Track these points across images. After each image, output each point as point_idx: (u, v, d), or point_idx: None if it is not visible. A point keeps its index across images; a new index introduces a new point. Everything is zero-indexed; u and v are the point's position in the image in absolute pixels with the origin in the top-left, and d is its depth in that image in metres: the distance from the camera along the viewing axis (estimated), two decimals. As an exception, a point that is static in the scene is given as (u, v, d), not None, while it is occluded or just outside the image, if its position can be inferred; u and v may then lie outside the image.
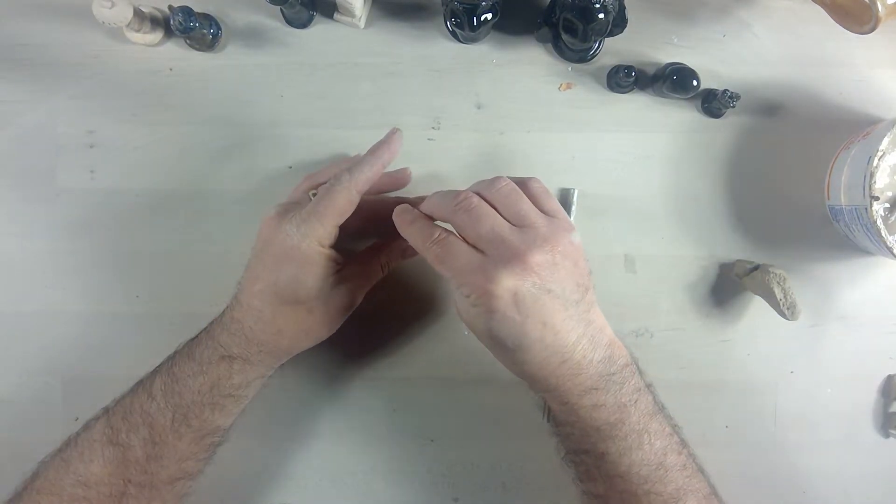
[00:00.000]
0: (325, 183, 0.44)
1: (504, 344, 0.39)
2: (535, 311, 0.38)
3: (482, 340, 0.40)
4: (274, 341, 0.44)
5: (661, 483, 0.41)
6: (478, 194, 0.41)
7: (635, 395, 0.41)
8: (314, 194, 0.45)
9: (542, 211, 0.41)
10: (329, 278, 0.44)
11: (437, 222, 0.42)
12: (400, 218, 0.43)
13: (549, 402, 0.43)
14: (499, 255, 0.38)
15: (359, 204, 0.43)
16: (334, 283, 0.44)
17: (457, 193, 0.41)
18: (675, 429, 0.43)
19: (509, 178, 0.42)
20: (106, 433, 0.43)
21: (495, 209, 0.40)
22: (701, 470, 0.43)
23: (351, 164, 0.44)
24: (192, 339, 0.46)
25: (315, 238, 0.42)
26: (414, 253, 0.48)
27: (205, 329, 0.46)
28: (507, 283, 0.37)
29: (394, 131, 0.46)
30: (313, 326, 0.45)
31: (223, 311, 0.45)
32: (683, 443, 0.43)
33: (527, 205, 0.40)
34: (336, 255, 0.44)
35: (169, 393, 0.43)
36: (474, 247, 0.39)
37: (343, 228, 0.44)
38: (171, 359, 0.45)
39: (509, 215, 0.40)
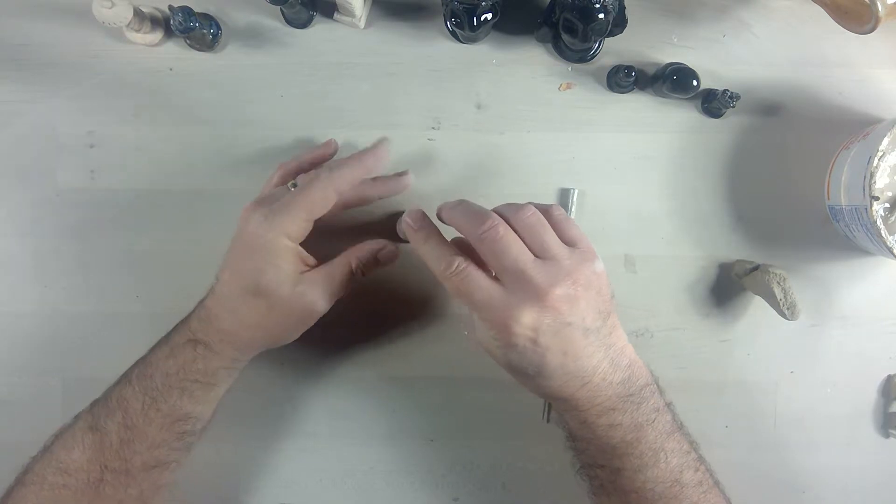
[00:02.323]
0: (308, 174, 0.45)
1: (525, 372, 0.40)
2: (554, 343, 0.38)
3: (501, 365, 0.41)
4: (234, 331, 0.44)
5: (676, 500, 0.41)
6: (503, 219, 0.40)
7: (653, 415, 0.41)
8: (293, 185, 0.45)
9: (564, 239, 0.41)
10: (293, 275, 0.43)
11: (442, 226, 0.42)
12: (413, 233, 0.42)
13: (566, 417, 0.43)
14: (520, 290, 0.38)
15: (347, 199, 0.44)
16: (299, 282, 0.43)
17: (483, 218, 0.40)
18: (694, 445, 0.43)
19: (532, 203, 0.42)
20: (87, 420, 0.44)
21: (519, 237, 0.40)
22: (717, 484, 0.44)
23: (333, 163, 0.44)
24: (172, 328, 0.46)
25: (282, 230, 0.42)
26: (390, 260, 0.47)
27: (183, 318, 0.46)
28: (527, 320, 0.38)
29: (381, 139, 0.46)
30: (272, 324, 0.44)
31: (200, 300, 0.46)
32: (701, 459, 0.43)
33: (550, 236, 0.40)
34: (304, 254, 0.44)
35: (142, 376, 0.44)
36: (495, 276, 0.40)
37: (322, 229, 0.44)
38: (152, 348, 0.46)
39: (533, 245, 0.40)
